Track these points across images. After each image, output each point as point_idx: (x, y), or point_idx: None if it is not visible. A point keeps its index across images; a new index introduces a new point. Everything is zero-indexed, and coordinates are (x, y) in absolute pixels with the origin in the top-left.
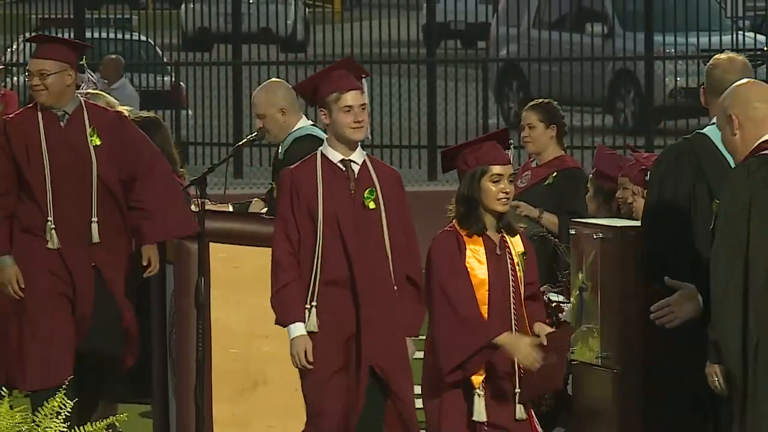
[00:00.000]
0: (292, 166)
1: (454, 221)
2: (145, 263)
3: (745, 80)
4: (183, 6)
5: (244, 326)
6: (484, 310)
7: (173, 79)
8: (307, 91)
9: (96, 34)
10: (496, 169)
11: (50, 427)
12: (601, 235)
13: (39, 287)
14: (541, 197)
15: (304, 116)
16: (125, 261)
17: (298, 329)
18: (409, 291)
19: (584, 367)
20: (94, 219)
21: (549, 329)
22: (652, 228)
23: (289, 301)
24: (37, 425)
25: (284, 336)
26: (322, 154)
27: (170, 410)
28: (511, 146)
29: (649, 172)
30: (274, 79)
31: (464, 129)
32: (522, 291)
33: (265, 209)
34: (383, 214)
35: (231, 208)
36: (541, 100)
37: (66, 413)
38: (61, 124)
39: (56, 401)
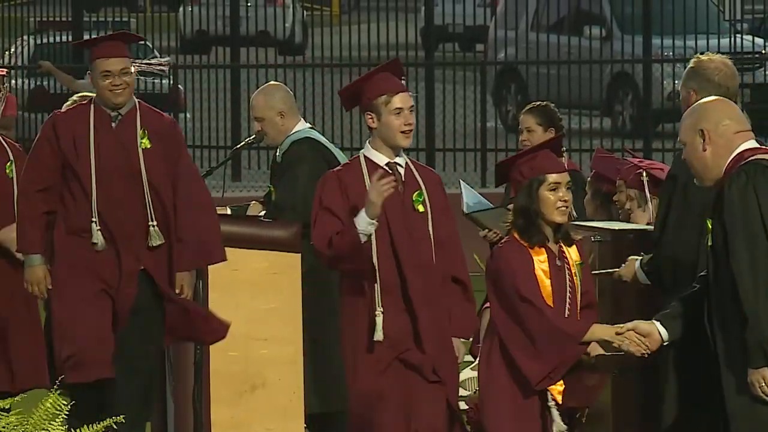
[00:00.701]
0: (335, 169)
1: (513, 233)
2: (177, 290)
3: (712, 98)
4: (181, 9)
5: (243, 329)
6: None
7: (171, 82)
8: (350, 94)
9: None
10: (553, 177)
11: (47, 430)
12: (598, 237)
13: (82, 288)
14: None
15: (302, 119)
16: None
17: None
18: (457, 292)
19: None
20: (153, 223)
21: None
22: (664, 235)
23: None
24: (34, 427)
25: (283, 338)
26: (365, 157)
27: (168, 413)
28: (565, 154)
29: (665, 179)
30: (272, 82)
31: (462, 132)
32: (578, 301)
33: (263, 212)
34: (430, 217)
35: (229, 211)
36: (538, 103)
37: (64, 415)
38: (113, 124)
39: (51, 402)
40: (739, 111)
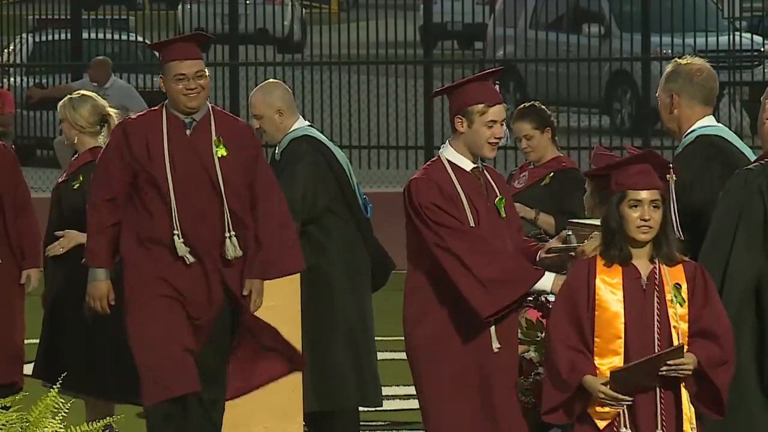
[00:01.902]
0: (421, 176)
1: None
2: (245, 293)
3: None
4: (180, 7)
5: None
6: (619, 344)
7: None
8: (445, 93)
9: (93, 35)
10: (635, 194)
11: (46, 427)
12: (596, 235)
13: (157, 300)
14: (538, 197)
15: (301, 117)
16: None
17: (549, 277)
18: None
19: None
20: (229, 234)
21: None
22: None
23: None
24: (33, 425)
25: None
26: (449, 161)
27: None
28: (671, 169)
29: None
30: (271, 79)
31: None
32: (676, 327)
33: None
34: (510, 221)
35: None
36: (528, 107)
37: (63, 413)
38: (187, 131)
39: (50, 400)
40: None
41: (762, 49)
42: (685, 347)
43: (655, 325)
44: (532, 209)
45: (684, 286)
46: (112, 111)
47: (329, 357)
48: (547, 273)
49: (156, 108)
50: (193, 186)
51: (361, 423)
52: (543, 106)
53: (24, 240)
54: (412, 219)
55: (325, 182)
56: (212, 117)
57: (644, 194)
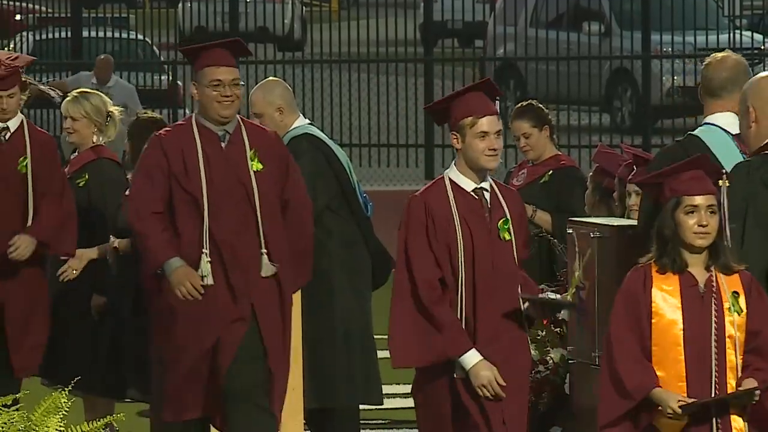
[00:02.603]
0: (419, 193)
1: (651, 258)
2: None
3: (766, 73)
4: (180, 5)
5: None
6: (678, 351)
7: (170, 78)
8: (438, 111)
9: (93, 33)
10: (691, 199)
11: (48, 426)
12: (598, 233)
13: (188, 326)
14: (537, 195)
15: (301, 115)
16: (279, 299)
17: (474, 356)
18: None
19: (581, 366)
20: (264, 251)
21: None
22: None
23: (457, 334)
24: (35, 424)
25: None
26: (450, 180)
27: None
28: (724, 175)
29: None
30: (271, 77)
31: None
32: (733, 337)
33: None
34: (515, 245)
35: None
36: (526, 106)
37: (63, 412)
38: (222, 144)
39: (52, 399)
40: None
41: (762, 48)
42: (740, 360)
43: (713, 334)
44: (529, 206)
45: (742, 295)
46: (114, 109)
47: (329, 355)
48: (472, 353)
49: (183, 121)
50: (229, 202)
51: (362, 421)
52: (540, 105)
53: (59, 227)
54: (399, 233)
55: (325, 180)
56: (243, 128)
57: (700, 200)
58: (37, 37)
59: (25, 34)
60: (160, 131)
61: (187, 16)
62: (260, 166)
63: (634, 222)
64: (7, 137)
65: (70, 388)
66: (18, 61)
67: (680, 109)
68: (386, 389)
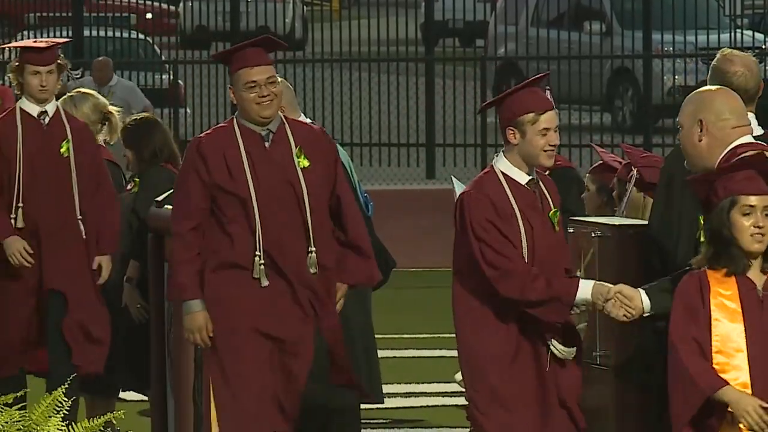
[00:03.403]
0: (473, 189)
1: (704, 262)
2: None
3: (715, 87)
4: (181, 4)
5: None
6: (742, 358)
7: (171, 77)
8: (494, 106)
9: (94, 33)
10: (746, 199)
11: (48, 426)
12: (598, 233)
13: (246, 341)
14: None
15: (302, 114)
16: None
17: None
18: None
19: (583, 366)
20: (312, 249)
21: None
22: (660, 233)
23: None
24: (35, 423)
25: None
26: (502, 173)
27: (169, 409)
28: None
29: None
30: None
31: (462, 127)
32: None
33: None
34: (562, 234)
35: None
36: None
37: (64, 411)
38: (266, 144)
39: (52, 398)
40: (740, 104)
41: (763, 47)
42: None
43: None
44: None
45: None
46: (113, 109)
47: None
48: (583, 282)
49: (225, 123)
50: (277, 202)
51: (363, 420)
52: None
53: (100, 223)
54: (463, 233)
55: None
56: (287, 126)
57: (755, 200)
58: (38, 37)
59: (26, 33)
60: (201, 135)
61: (188, 16)
62: (307, 163)
63: (635, 222)
64: (47, 121)
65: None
66: (56, 40)
67: None
68: (387, 389)
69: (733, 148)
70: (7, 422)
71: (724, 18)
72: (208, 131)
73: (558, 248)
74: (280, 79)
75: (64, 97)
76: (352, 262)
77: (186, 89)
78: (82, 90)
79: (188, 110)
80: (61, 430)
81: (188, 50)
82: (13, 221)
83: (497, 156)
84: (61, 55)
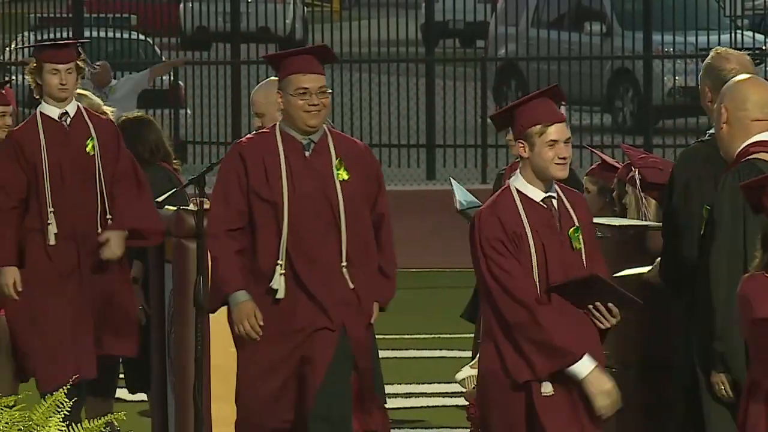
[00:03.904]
0: (486, 207)
1: (761, 266)
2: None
3: (746, 76)
4: (182, 5)
5: None
6: None
7: (172, 78)
8: (503, 118)
9: (95, 33)
10: None
11: (49, 426)
12: (599, 233)
13: (270, 353)
14: None
15: None
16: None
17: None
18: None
19: None
20: (344, 264)
21: None
22: (676, 233)
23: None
24: (36, 424)
25: None
26: (518, 191)
27: (169, 408)
28: None
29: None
30: (273, 78)
31: (463, 128)
32: None
33: None
34: (584, 253)
35: None
36: None
37: (65, 411)
38: (306, 153)
39: (53, 399)
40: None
41: (763, 47)
42: None
43: None
44: None
45: None
46: (107, 110)
47: None
48: (587, 359)
49: (267, 129)
50: (311, 212)
51: None
52: None
53: (125, 210)
54: (474, 252)
55: None
56: (330, 137)
57: None
58: (39, 37)
59: (26, 34)
60: (242, 139)
61: (189, 17)
62: (346, 176)
63: (636, 222)
64: (68, 122)
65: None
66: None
67: (681, 110)
68: (388, 389)
69: (746, 146)
70: (7, 423)
71: (724, 19)
72: (249, 135)
73: (576, 267)
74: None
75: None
76: (379, 282)
77: (186, 90)
78: (79, 91)
79: (189, 111)
80: (62, 430)
81: (188, 51)
82: (48, 227)
83: (514, 174)
84: (81, 55)
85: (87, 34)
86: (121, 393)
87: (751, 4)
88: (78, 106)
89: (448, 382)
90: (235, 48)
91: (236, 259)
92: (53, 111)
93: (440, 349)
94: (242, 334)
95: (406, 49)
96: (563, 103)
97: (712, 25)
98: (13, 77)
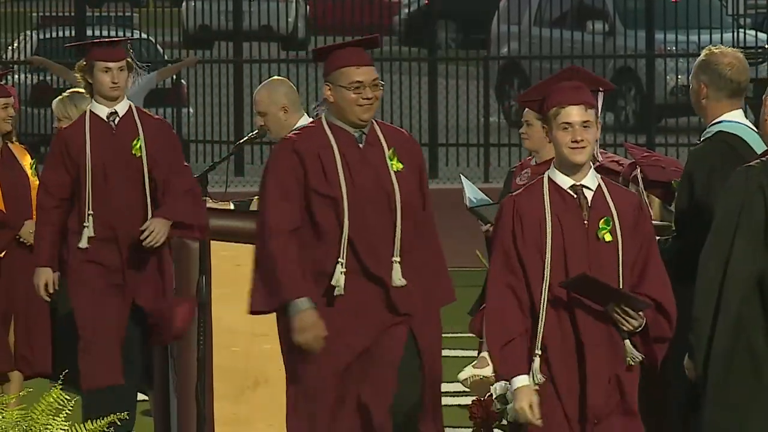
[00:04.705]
0: (514, 194)
1: None
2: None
3: None
4: (184, 4)
5: (246, 325)
6: None
7: (174, 77)
8: (533, 102)
9: (97, 32)
10: None
11: (50, 425)
12: None
13: (334, 359)
14: None
15: (305, 114)
16: (434, 314)
17: (520, 381)
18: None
19: None
20: (396, 259)
21: None
22: (692, 229)
23: (514, 355)
24: (39, 423)
25: None
26: (549, 178)
27: (171, 408)
28: None
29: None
30: (275, 77)
31: (465, 127)
32: None
33: None
34: (620, 248)
35: (232, 206)
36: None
37: (67, 411)
38: (360, 146)
39: (54, 397)
40: None
41: (766, 46)
42: None
43: None
44: None
45: None
46: None
47: None
48: (519, 379)
49: (313, 123)
50: (370, 206)
51: None
52: None
53: (173, 201)
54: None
55: None
56: (377, 128)
57: None
58: (41, 36)
59: (28, 33)
60: (291, 136)
61: (191, 15)
62: (400, 166)
63: None
64: (116, 122)
65: (60, 384)
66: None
67: (684, 108)
68: None
69: None
70: (9, 422)
71: (726, 18)
72: (296, 131)
73: (604, 260)
74: (281, 79)
75: (63, 95)
76: (438, 283)
77: (189, 89)
78: (76, 90)
79: (191, 110)
80: (65, 429)
81: (191, 49)
82: (85, 230)
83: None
84: (131, 53)
85: (89, 32)
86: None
87: (753, 2)
88: (130, 105)
89: (451, 382)
90: (238, 47)
91: (298, 261)
92: (102, 110)
93: (444, 348)
94: (304, 343)
95: (408, 48)
96: (601, 89)
97: (714, 24)
98: (16, 76)
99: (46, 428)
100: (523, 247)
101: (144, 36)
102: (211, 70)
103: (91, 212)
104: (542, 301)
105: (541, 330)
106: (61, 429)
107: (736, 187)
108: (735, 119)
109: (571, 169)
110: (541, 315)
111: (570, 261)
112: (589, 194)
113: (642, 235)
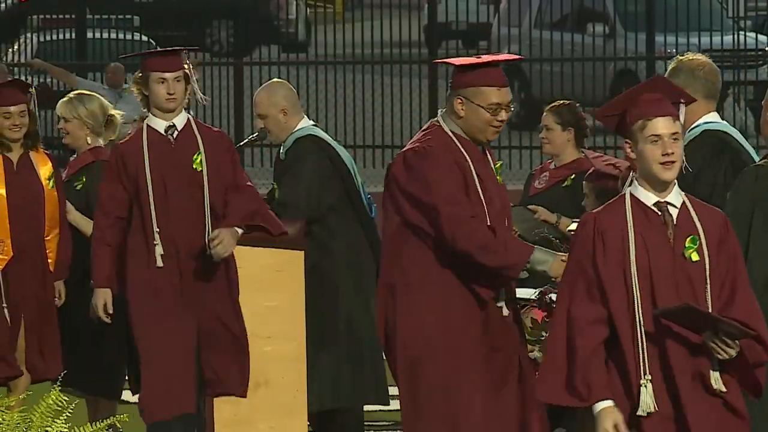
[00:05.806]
0: (595, 210)
1: None
2: None
3: None
4: None
5: (247, 326)
6: None
7: None
8: (611, 117)
9: (98, 35)
10: None
11: (50, 427)
12: None
13: (465, 357)
14: (559, 199)
15: (305, 116)
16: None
17: (604, 404)
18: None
19: None
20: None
21: None
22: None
23: (596, 378)
24: (39, 425)
25: (286, 335)
26: (632, 195)
27: None
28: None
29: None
30: (275, 79)
31: None
32: None
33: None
34: (707, 267)
35: None
36: (561, 102)
37: (67, 413)
38: (488, 158)
39: (53, 399)
40: None
41: (766, 49)
42: None
43: None
44: (553, 213)
45: None
46: (115, 112)
47: (332, 357)
48: (603, 403)
49: (430, 132)
50: (500, 217)
51: (366, 422)
52: (578, 110)
53: (238, 208)
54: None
55: (330, 182)
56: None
57: None
58: (42, 39)
59: (29, 35)
60: (423, 144)
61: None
62: (500, 179)
63: None
64: (174, 135)
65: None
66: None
67: None
68: (391, 390)
69: None
70: (8, 424)
71: (727, 20)
72: (419, 137)
73: (692, 280)
74: (281, 81)
75: (69, 96)
76: None
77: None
78: (82, 92)
79: (191, 112)
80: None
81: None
82: (156, 248)
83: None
84: (189, 63)
85: (90, 35)
86: (124, 394)
87: (754, 5)
88: (188, 118)
89: None
90: (238, 49)
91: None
92: (159, 124)
93: None
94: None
95: (408, 51)
96: (683, 101)
97: (714, 26)
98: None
99: (46, 431)
100: (605, 266)
101: (144, 38)
102: (212, 72)
103: (158, 230)
104: (637, 325)
105: (643, 354)
106: (61, 430)
107: (746, 186)
108: (714, 120)
109: (658, 185)
110: (640, 338)
111: (656, 281)
112: (674, 211)
113: (728, 254)
